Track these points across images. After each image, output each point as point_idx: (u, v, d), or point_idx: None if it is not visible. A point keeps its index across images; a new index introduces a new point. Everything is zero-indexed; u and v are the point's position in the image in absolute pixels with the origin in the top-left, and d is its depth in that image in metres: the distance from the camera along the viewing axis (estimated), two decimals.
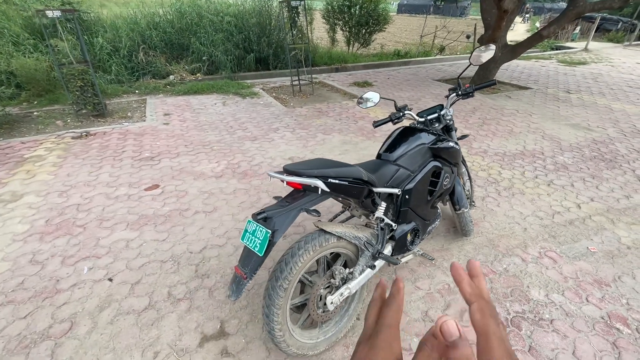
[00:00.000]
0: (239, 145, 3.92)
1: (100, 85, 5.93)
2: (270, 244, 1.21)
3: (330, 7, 11.37)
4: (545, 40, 14.32)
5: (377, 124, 2.01)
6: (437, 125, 1.96)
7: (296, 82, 6.16)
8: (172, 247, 2.28)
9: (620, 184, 3.19)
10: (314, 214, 1.28)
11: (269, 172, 1.29)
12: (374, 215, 1.59)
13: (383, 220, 1.60)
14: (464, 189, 2.23)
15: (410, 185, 1.67)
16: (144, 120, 4.73)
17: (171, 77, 7.25)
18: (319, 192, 1.31)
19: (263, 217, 1.25)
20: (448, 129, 2.02)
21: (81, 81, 4.56)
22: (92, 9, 7.81)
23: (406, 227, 1.74)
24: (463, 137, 2.18)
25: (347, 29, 11.45)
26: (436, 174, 1.81)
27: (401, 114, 1.97)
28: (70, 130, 4.32)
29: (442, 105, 2.01)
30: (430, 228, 1.95)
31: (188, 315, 1.78)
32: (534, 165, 3.53)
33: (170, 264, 2.13)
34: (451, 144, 1.79)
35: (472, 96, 1.90)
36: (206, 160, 3.52)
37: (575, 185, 3.16)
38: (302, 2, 5.43)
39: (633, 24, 15.25)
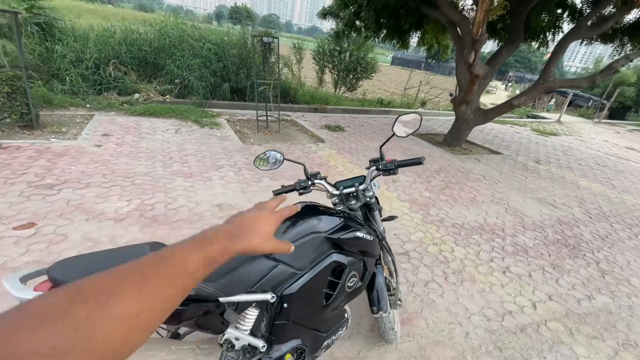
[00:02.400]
0: (167, 181, 3.41)
1: (45, 94, 5.43)
2: None
3: (321, 50, 11.59)
4: (522, 107, 14.99)
5: (277, 192, 1.58)
6: (353, 202, 1.53)
7: (262, 118, 5.85)
8: None
9: (583, 280, 2.82)
10: None
11: (4, 281, 0.78)
12: (223, 335, 1.09)
13: (232, 344, 1.10)
14: (390, 283, 1.77)
15: (292, 290, 1.19)
16: (76, 139, 4.20)
17: (136, 95, 6.84)
18: None
19: None
20: (369, 209, 1.60)
21: (9, 87, 4.05)
22: (68, 17, 7.51)
23: (283, 348, 1.24)
24: (390, 218, 1.76)
25: (336, 72, 11.63)
26: (337, 270, 1.35)
27: (309, 182, 1.56)
28: None
29: (364, 177, 1.60)
30: (329, 341, 1.44)
31: None
32: (491, 245, 3.15)
33: None
34: (358, 233, 1.35)
35: (395, 173, 1.51)
36: (117, 196, 2.98)
37: (534, 275, 2.77)
38: (275, 40, 5.26)
39: (602, 103, 16.27)
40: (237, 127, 5.82)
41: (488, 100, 17.41)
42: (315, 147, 5.23)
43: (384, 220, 1.71)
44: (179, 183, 3.41)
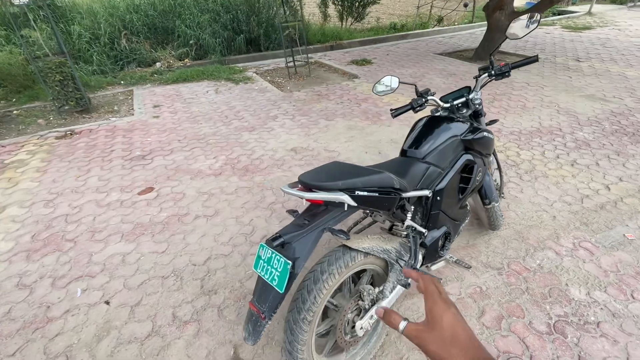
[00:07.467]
0: (236, 137, 3.65)
1: (81, 78, 5.53)
2: (292, 276, 1.00)
3: None
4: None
5: (396, 112, 1.76)
6: (464, 111, 1.71)
7: (291, 64, 5.79)
8: (173, 259, 2.07)
9: None
10: (341, 236, 1.07)
11: (283, 188, 1.06)
12: (403, 223, 1.38)
13: (414, 228, 1.39)
14: (496, 180, 2.02)
15: (442, 185, 1.45)
16: (132, 114, 4.42)
17: (157, 64, 6.82)
18: (345, 208, 1.09)
19: (280, 243, 1.03)
20: (477, 115, 1.78)
21: (60, 75, 4.20)
22: None
23: (437, 233, 1.54)
24: (492, 122, 1.94)
25: (340, 2, 10.86)
26: (468, 168, 1.59)
27: (423, 100, 1.72)
28: (54, 130, 4.01)
29: (469, 88, 1.76)
30: (460, 228, 1.75)
31: (197, 340, 1.60)
32: (553, 144, 3.31)
33: (173, 279, 1.93)
34: (485, 133, 1.56)
35: (508, 76, 1.65)
36: (203, 156, 3.27)
37: (601, 164, 2.95)
38: None
39: None
40: (269, 77, 5.83)
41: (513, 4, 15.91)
42: (352, 84, 5.24)
43: (488, 124, 1.89)
44: (247, 137, 3.64)
